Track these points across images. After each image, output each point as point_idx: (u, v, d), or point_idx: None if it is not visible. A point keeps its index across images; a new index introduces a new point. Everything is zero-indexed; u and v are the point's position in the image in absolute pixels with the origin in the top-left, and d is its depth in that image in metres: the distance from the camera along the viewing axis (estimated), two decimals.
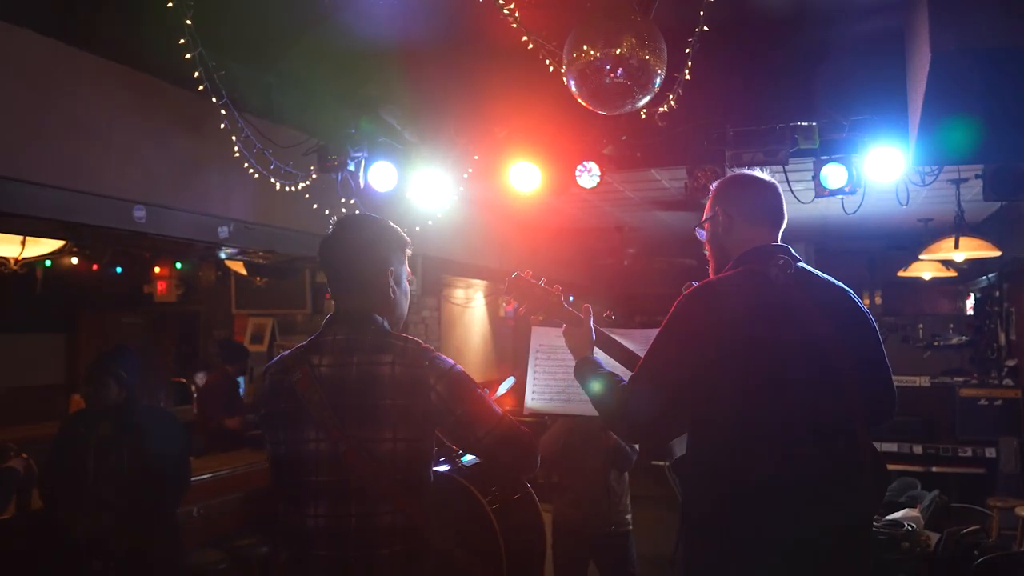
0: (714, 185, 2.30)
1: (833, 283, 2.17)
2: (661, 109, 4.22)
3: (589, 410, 2.53)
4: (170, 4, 3.25)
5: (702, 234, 2.30)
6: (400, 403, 1.88)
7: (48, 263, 8.60)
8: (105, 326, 9.18)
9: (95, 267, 8.73)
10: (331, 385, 1.90)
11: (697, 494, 2.05)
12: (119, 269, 9.02)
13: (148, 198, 4.15)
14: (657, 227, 8.12)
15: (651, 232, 8.51)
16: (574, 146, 5.04)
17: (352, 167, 4.78)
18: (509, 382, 2.90)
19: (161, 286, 9.28)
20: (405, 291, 2.13)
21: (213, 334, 8.98)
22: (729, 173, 2.34)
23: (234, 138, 4.01)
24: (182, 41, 3.40)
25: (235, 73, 4.03)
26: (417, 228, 5.23)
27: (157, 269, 9.19)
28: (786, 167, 4.81)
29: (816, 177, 4.77)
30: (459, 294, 9.33)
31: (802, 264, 2.14)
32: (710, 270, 2.26)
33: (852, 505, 2.00)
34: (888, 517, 5.26)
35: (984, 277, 8.32)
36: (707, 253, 2.27)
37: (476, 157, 5.01)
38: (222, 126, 3.89)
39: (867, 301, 10.10)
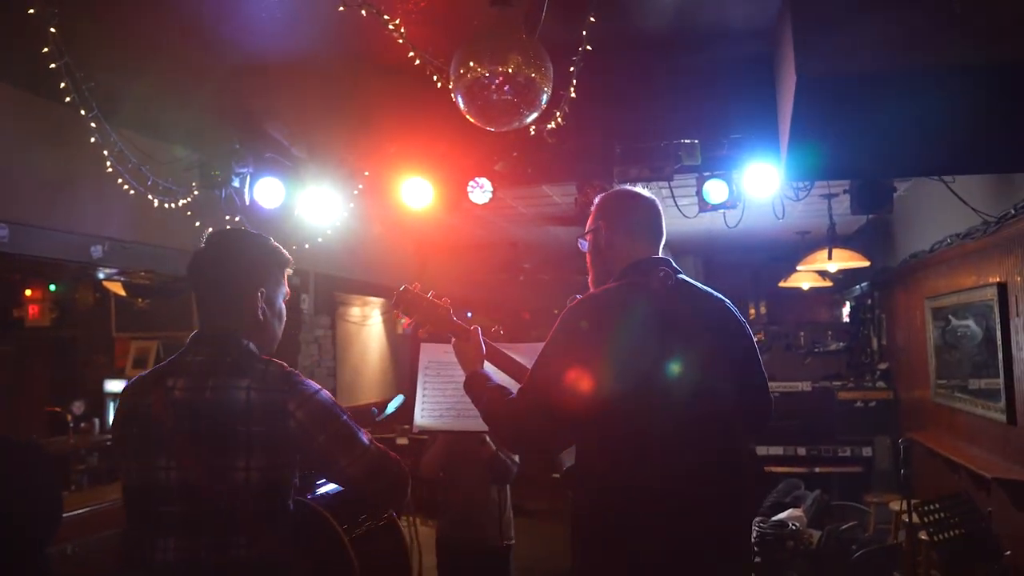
0: (597, 199, 2.34)
1: (712, 294, 2.23)
2: (550, 126, 4.27)
3: (480, 425, 2.51)
4: (31, 11, 3.06)
5: (584, 245, 2.33)
6: (255, 430, 1.81)
7: None
8: None
9: None
10: (184, 409, 1.83)
11: (584, 505, 2.06)
12: None
13: (11, 216, 3.90)
14: (551, 242, 8.21)
15: (545, 247, 8.60)
16: (466, 162, 5.04)
17: (237, 183, 4.65)
18: (398, 400, 2.85)
19: (33, 310, 8.72)
20: (279, 313, 2.04)
21: (92, 359, 8.50)
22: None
23: (106, 152, 3.81)
24: (46, 50, 3.21)
25: (110, 85, 3.85)
26: (307, 246, 5.12)
27: (28, 292, 8.64)
28: (671, 183, 4.94)
29: (699, 192, 4.92)
30: (355, 312, 9.16)
31: (683, 276, 2.20)
32: (590, 280, 2.29)
33: (734, 509, 2.05)
34: (774, 518, 5.46)
35: (857, 286, 8.80)
36: (588, 264, 2.30)
37: (367, 173, 4.95)
38: (92, 140, 3.69)
39: (752, 311, 10.49)
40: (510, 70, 3.52)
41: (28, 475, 3.51)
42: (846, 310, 10.17)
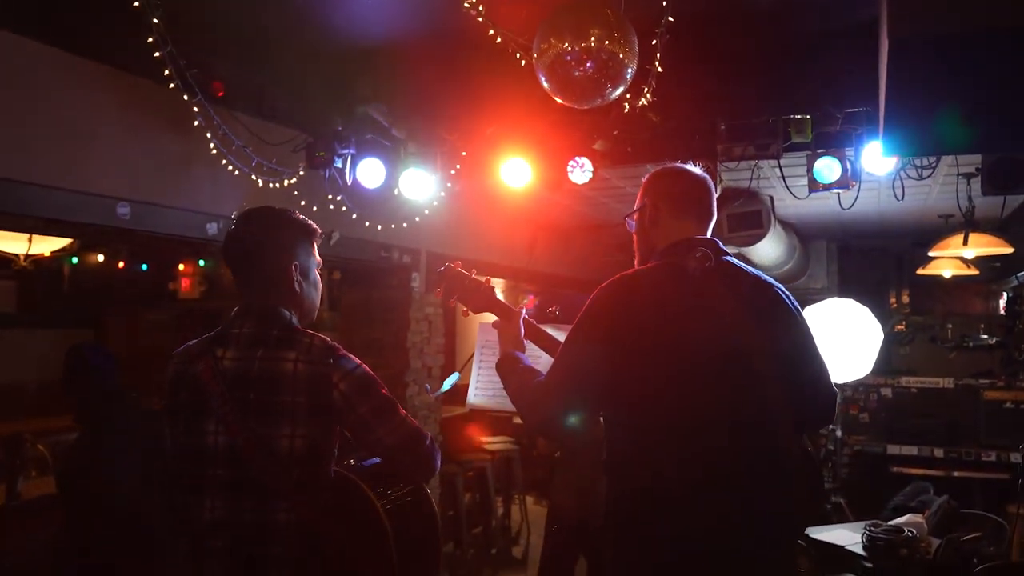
0: (645, 177, 2.24)
1: (761, 278, 2.09)
2: (641, 102, 4.12)
3: None
4: (136, 3, 3.26)
5: (631, 225, 2.24)
6: (301, 400, 1.88)
7: (75, 260, 8.81)
8: (130, 322, 9.36)
9: (121, 265, 8.91)
10: (233, 378, 1.90)
11: (615, 495, 2.00)
12: (144, 267, 9.20)
13: (132, 195, 4.19)
14: None
15: None
16: (565, 141, 4.96)
17: (339, 164, 4.78)
18: (453, 378, 2.85)
19: (185, 283, 9.43)
20: (315, 282, 2.11)
21: None
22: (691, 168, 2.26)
23: (209, 135, 4.01)
24: (151, 40, 3.41)
25: (227, 72, 4.05)
26: (405, 224, 5.22)
27: (181, 267, 9.34)
28: (779, 161, 4.67)
29: (810, 172, 4.62)
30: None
31: (730, 258, 2.07)
32: (635, 262, 2.21)
33: (774, 514, 1.91)
34: (891, 522, 5.07)
35: (1015, 276, 8.00)
36: (634, 245, 2.24)
37: (464, 153, 4.96)
38: (196, 123, 3.90)
39: (893, 301, 9.77)
40: (591, 44, 3.40)
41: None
42: (1003, 301, 9.28)
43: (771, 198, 6.27)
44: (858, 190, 4.65)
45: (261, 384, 1.88)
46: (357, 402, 1.91)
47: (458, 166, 5.00)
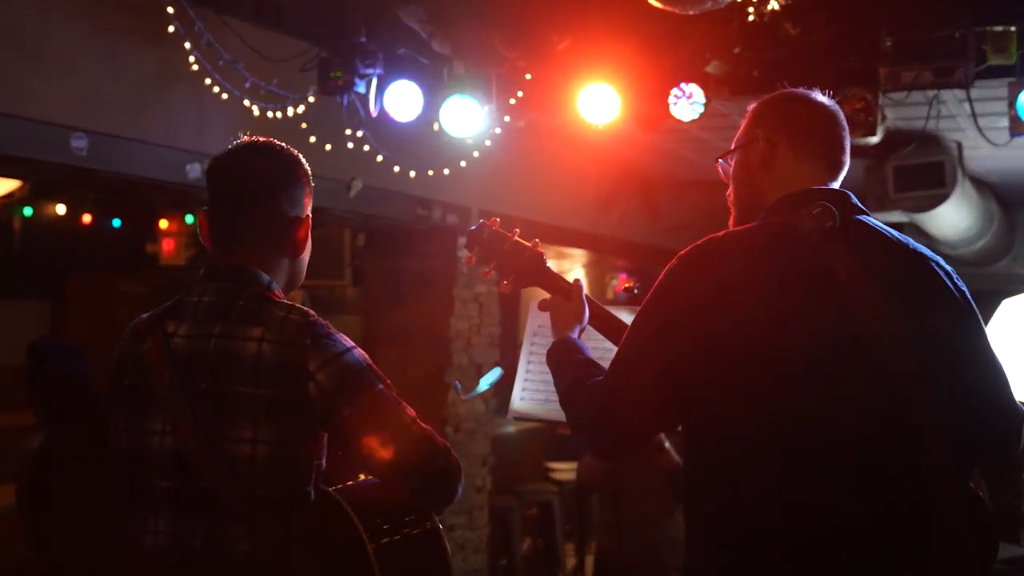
0: (752, 106, 2.19)
1: (909, 246, 2.02)
2: (772, 6, 4.02)
3: None
4: None
5: (726, 168, 2.19)
6: (263, 393, 1.89)
7: (28, 211, 9.10)
8: (99, 293, 9.64)
9: (87, 219, 9.16)
10: (185, 361, 1.93)
11: (698, 546, 1.96)
12: (117, 222, 9.44)
13: (90, 124, 4.32)
14: None
15: None
16: (667, 62, 4.91)
17: (362, 88, 4.80)
18: (494, 374, 2.84)
19: (168, 245, 9.66)
20: (309, 244, 2.13)
21: None
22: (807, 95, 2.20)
23: (188, 46, 4.08)
24: None
25: None
26: (447, 172, 5.23)
27: (164, 223, 9.56)
28: (969, 92, 4.53)
29: (1013, 105, 4.46)
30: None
31: (863, 218, 2.00)
32: (731, 220, 2.16)
33: None
34: None
35: None
36: (729, 197, 2.17)
37: (528, 76, 4.95)
38: (171, 29, 3.97)
39: None
40: None
41: None
42: None
43: (958, 145, 6.05)
44: None
45: (215, 369, 1.90)
46: (340, 399, 1.90)
47: (520, 94, 4.98)
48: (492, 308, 6.83)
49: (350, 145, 4.93)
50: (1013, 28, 4.39)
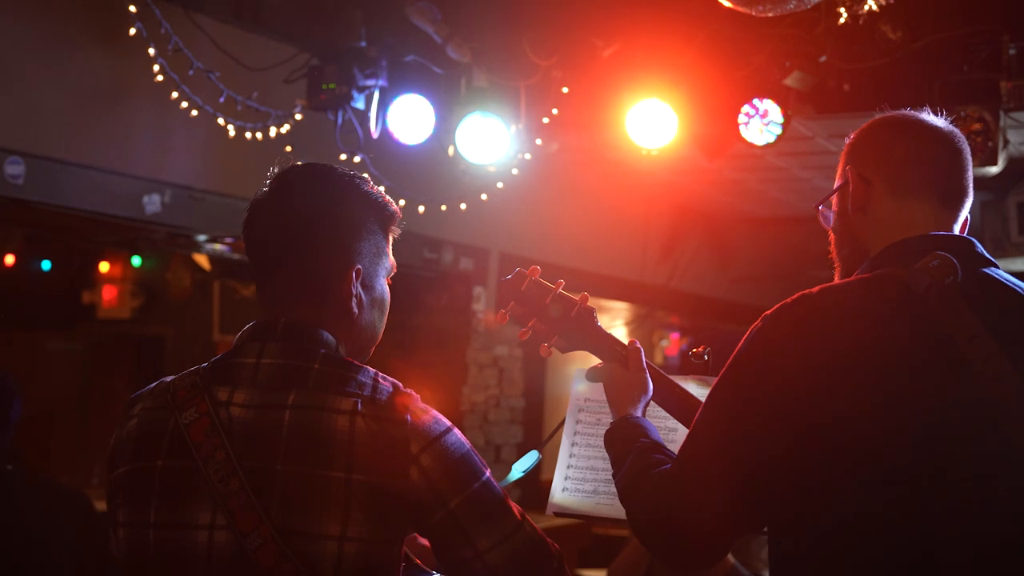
0: (851, 135, 2.21)
1: None
2: (869, 5, 4.06)
3: None
4: None
5: (828, 218, 2.23)
6: (358, 479, 1.89)
7: None
8: (21, 352, 9.67)
9: (10, 260, 9.21)
10: (247, 437, 1.92)
11: None
12: (47, 264, 9.49)
13: (28, 146, 4.33)
14: None
15: None
16: (736, 73, 4.95)
17: (360, 103, 4.82)
18: (530, 459, 2.86)
19: (109, 293, 9.69)
20: (381, 300, 2.12)
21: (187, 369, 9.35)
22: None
23: (152, 51, 4.13)
24: None
25: None
26: (464, 207, 5.24)
27: (104, 266, 9.60)
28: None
29: None
30: None
31: (991, 271, 2.02)
32: (836, 274, 2.19)
33: None
34: None
35: None
36: (831, 247, 2.21)
37: (566, 89, 4.95)
38: (132, 31, 4.02)
39: None
40: None
41: (68, 536, 3.91)
42: None
43: None
44: None
45: (296, 449, 1.89)
46: (449, 487, 1.92)
47: (555, 111, 4.99)
48: (514, 376, 6.82)
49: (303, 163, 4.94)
50: None
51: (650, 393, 2.33)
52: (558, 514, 2.75)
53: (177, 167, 4.79)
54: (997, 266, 2.05)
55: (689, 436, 2.01)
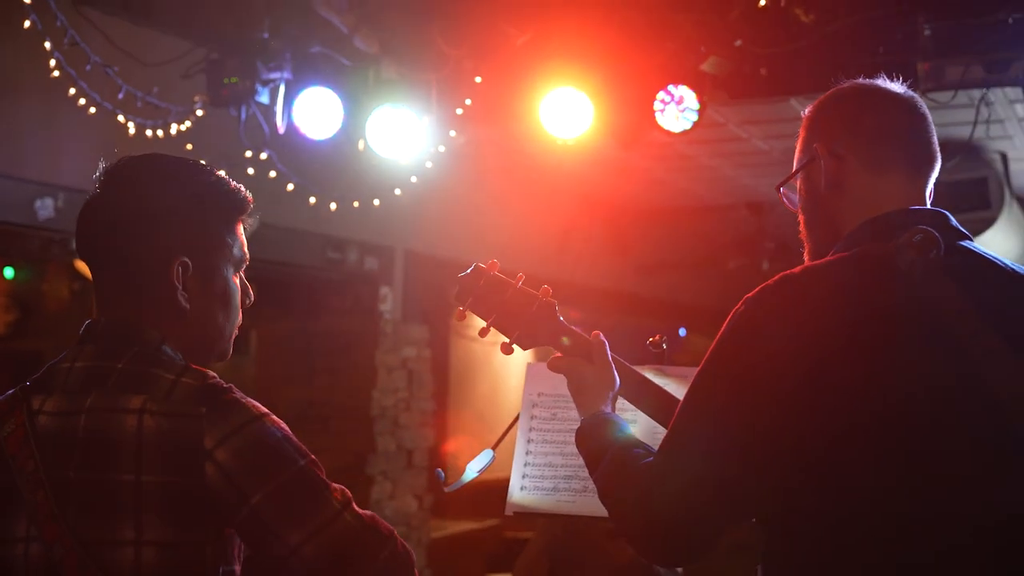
0: (808, 109, 2.21)
1: None
2: None
3: None
4: None
5: (792, 199, 2.22)
6: (149, 480, 1.87)
7: None
8: None
9: None
10: (51, 446, 1.91)
11: None
12: None
13: None
14: None
15: None
16: (651, 59, 4.95)
17: (265, 97, 4.76)
18: (483, 460, 2.83)
19: None
20: (223, 292, 2.09)
21: None
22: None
23: (48, 45, 4.00)
24: None
25: None
26: (376, 202, 5.18)
27: None
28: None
29: None
30: (480, 321, 9.27)
31: (967, 244, 2.04)
32: (806, 254, 2.19)
33: None
34: None
35: None
36: (801, 228, 2.21)
37: (479, 79, 4.92)
38: (27, 24, 3.89)
39: None
40: None
41: None
42: None
43: (1002, 157, 6.20)
44: None
45: (86, 454, 1.88)
46: (247, 482, 1.88)
47: (468, 102, 4.98)
48: (424, 377, 6.78)
49: (251, 170, 4.83)
50: None
51: (617, 387, 2.31)
52: (518, 513, 2.73)
53: (71, 169, 4.64)
54: (971, 239, 2.06)
55: (673, 426, 2.00)
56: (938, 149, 2.15)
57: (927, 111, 2.13)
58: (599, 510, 2.64)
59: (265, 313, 6.64)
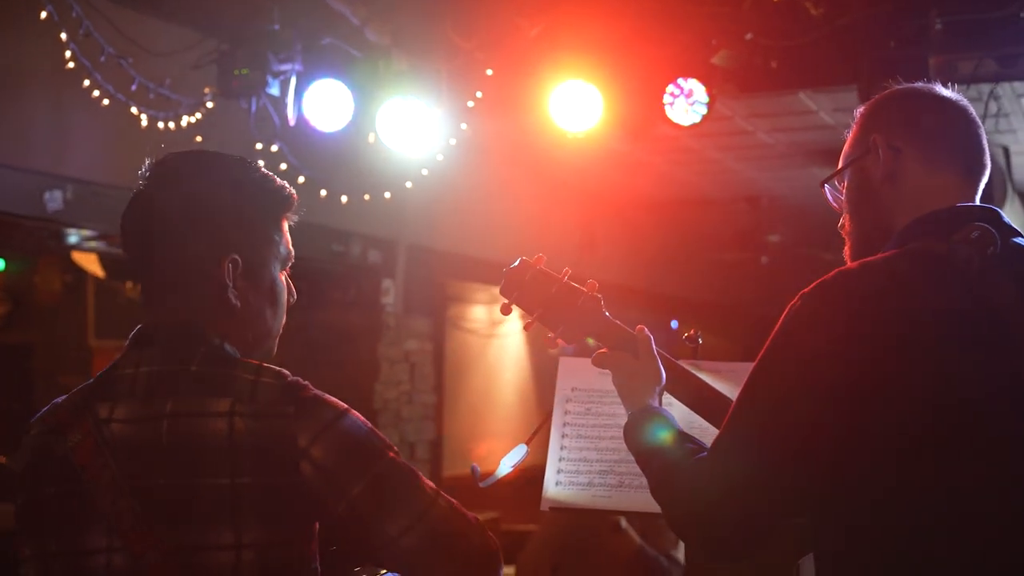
0: (863, 107, 2.23)
1: None
2: None
3: (654, 504, 2.48)
4: None
5: (835, 194, 2.25)
6: (246, 483, 1.87)
7: None
8: None
9: None
10: (130, 454, 1.91)
11: None
12: None
13: None
14: (817, 194, 8.02)
15: (811, 206, 8.37)
16: (661, 52, 4.97)
17: (275, 89, 4.74)
18: (519, 453, 2.84)
19: None
20: (271, 290, 2.09)
21: (60, 380, 9.10)
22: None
23: (64, 36, 3.98)
24: None
25: None
26: (387, 194, 5.17)
27: None
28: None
29: None
30: (478, 313, 9.25)
31: (1019, 240, 2.04)
32: (847, 250, 2.21)
33: None
34: None
35: None
36: (845, 223, 2.23)
37: (490, 71, 4.94)
38: (43, 15, 3.88)
39: None
40: None
41: None
42: None
43: (1004, 151, 6.23)
44: None
45: (175, 460, 1.88)
46: (345, 477, 1.90)
47: (479, 94, 4.98)
48: (426, 370, 6.80)
49: (261, 163, 4.84)
50: None
51: (663, 381, 2.31)
52: (554, 508, 2.75)
53: (81, 161, 4.64)
54: (1022, 235, 2.07)
55: (729, 422, 2.01)
56: (989, 157, 2.16)
57: (977, 118, 2.15)
58: (635, 504, 2.68)
59: None
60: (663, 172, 7.15)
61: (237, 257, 2.00)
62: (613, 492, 2.65)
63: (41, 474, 1.95)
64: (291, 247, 2.11)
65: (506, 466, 2.88)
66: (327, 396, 1.95)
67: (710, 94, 5.03)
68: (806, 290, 1.97)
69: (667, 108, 5.05)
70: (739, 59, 4.99)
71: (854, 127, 2.21)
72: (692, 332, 2.83)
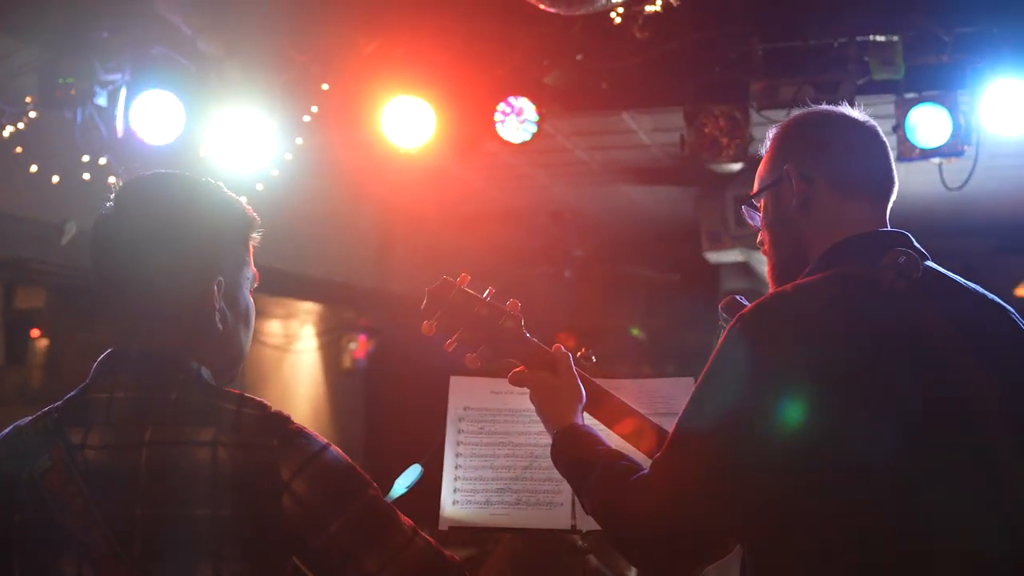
0: (774, 130, 2.29)
1: (983, 294, 2.17)
2: (649, 7, 4.24)
3: (558, 520, 2.48)
4: None
5: (755, 217, 2.30)
6: (226, 514, 1.85)
7: None
8: None
9: None
10: (104, 482, 1.86)
11: None
12: None
13: None
14: (625, 212, 8.22)
15: (615, 221, 8.57)
16: (494, 71, 5.05)
17: (103, 99, 4.66)
18: (411, 475, 2.86)
19: None
20: (246, 313, 2.08)
21: None
22: (794, 113, 2.36)
23: None
24: None
25: None
26: None
27: None
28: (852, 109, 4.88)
29: (901, 127, 4.86)
30: (274, 328, 9.13)
31: (932, 264, 2.15)
32: (769, 273, 2.28)
33: None
34: None
35: None
36: (765, 247, 2.29)
37: (326, 86, 4.92)
38: None
39: None
40: None
41: None
42: None
43: None
44: (975, 159, 4.92)
45: (155, 490, 1.85)
46: (325, 511, 1.89)
47: (315, 109, 4.96)
48: (236, 385, 6.70)
49: (87, 176, 4.71)
50: (897, 37, 4.80)
51: (584, 399, 2.32)
52: (452, 527, 2.76)
53: None
54: (929, 257, 2.13)
55: (671, 442, 2.01)
56: (895, 176, 2.23)
57: (884, 138, 2.22)
58: (532, 522, 2.70)
59: (74, 325, 6.44)
60: (476, 188, 7.20)
61: (222, 279, 1.99)
62: (511, 509, 2.68)
63: (6, 501, 1.90)
64: (255, 268, 2.10)
65: (401, 487, 2.89)
66: (308, 429, 1.95)
67: (540, 113, 5.11)
68: (744, 311, 2.02)
69: (498, 126, 5.12)
70: (570, 79, 5.09)
71: (768, 150, 2.26)
72: (584, 351, 2.84)
